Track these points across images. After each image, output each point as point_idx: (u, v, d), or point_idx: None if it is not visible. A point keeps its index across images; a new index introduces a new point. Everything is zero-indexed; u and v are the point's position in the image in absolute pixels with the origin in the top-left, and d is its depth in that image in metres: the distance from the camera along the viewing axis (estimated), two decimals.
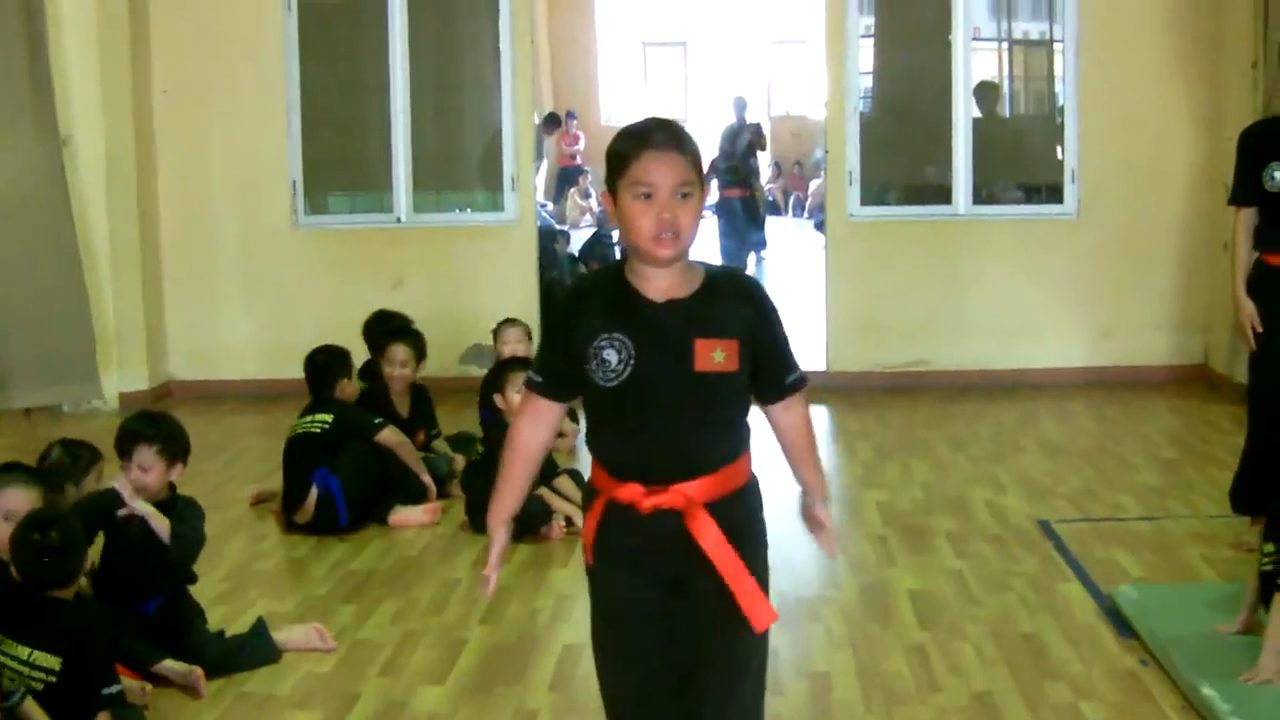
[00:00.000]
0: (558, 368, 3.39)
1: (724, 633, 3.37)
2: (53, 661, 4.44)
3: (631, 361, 3.26)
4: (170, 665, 5.21)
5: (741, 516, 3.41)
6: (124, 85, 10.51)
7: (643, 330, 3.27)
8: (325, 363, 7.66)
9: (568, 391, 3.42)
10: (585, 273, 3.81)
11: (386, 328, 8.44)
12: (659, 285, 3.30)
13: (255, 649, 5.49)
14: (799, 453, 3.54)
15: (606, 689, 3.55)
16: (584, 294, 3.43)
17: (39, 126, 10.01)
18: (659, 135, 3.26)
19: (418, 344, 8.27)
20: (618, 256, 15.31)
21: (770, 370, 3.40)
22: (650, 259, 3.28)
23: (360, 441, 7.44)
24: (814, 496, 3.54)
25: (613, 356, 3.26)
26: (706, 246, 17.23)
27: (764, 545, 3.47)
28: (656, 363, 3.26)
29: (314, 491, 7.24)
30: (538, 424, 3.48)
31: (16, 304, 9.84)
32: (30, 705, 4.28)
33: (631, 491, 3.32)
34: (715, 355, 3.27)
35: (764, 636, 3.42)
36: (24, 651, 4.41)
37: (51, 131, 10.09)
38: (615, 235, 16.44)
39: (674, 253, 3.25)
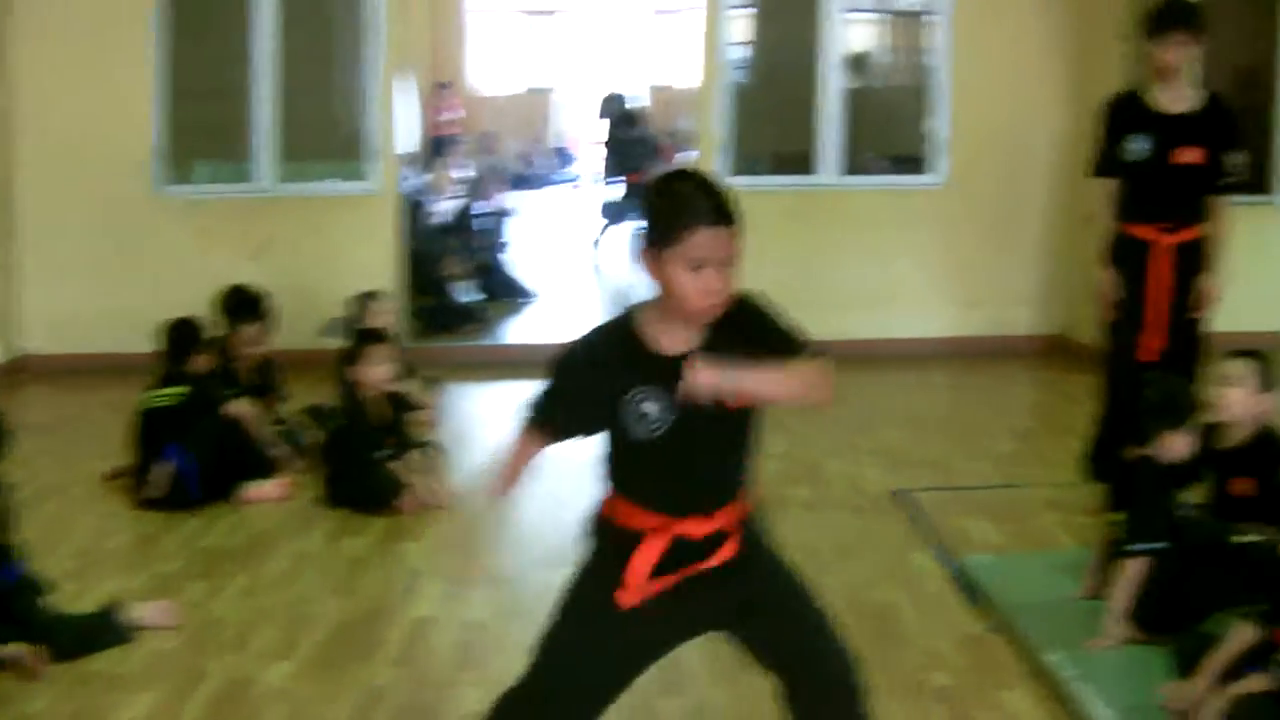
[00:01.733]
0: (577, 416, 3.47)
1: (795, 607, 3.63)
2: None
3: (670, 413, 3.32)
4: (9, 649, 5.09)
5: (757, 528, 3.64)
6: None
7: (675, 384, 3.27)
8: (180, 335, 7.54)
9: (577, 435, 3.51)
10: (592, 330, 3.84)
11: (239, 303, 8.31)
12: (677, 338, 3.36)
13: (105, 630, 5.38)
14: None
15: (550, 683, 3.56)
16: (597, 351, 3.45)
17: None
18: (715, 214, 3.29)
19: (268, 318, 8.17)
20: (485, 228, 15.20)
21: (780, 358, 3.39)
22: (693, 318, 3.33)
23: (212, 415, 7.33)
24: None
25: (652, 409, 3.34)
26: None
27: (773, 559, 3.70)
28: (694, 411, 3.28)
29: (167, 465, 7.12)
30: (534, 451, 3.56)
31: None
32: None
33: (687, 524, 3.43)
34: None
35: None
36: None
37: None
38: (486, 207, 16.34)
39: (717, 312, 3.32)
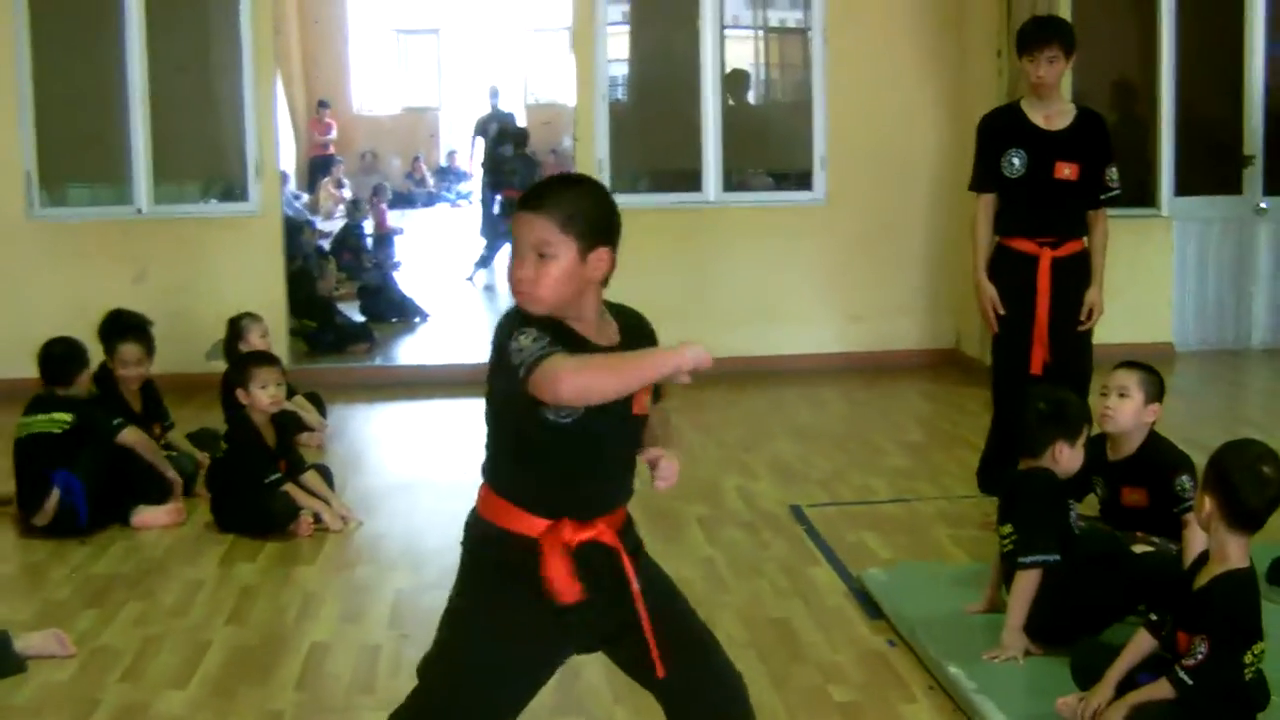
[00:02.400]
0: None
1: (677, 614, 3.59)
2: None
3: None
4: None
5: (635, 538, 3.59)
6: None
7: None
8: (63, 355, 7.39)
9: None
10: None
11: (118, 326, 8.17)
12: (599, 332, 3.39)
13: None
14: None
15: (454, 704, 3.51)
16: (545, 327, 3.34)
17: None
18: (527, 196, 3.33)
19: (148, 342, 8.04)
20: (369, 248, 15.16)
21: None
22: (523, 304, 3.33)
23: (100, 441, 7.21)
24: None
25: None
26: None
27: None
28: (606, 407, 3.24)
29: (55, 492, 6.99)
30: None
31: None
32: None
33: (568, 528, 3.38)
34: (646, 398, 3.40)
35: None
36: None
37: None
38: (366, 227, 16.27)
39: (532, 306, 3.28)
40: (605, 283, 3.38)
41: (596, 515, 3.42)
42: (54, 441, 7.09)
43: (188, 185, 11.17)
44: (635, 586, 3.42)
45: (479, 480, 3.51)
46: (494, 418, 3.44)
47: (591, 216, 3.31)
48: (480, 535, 3.49)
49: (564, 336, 3.26)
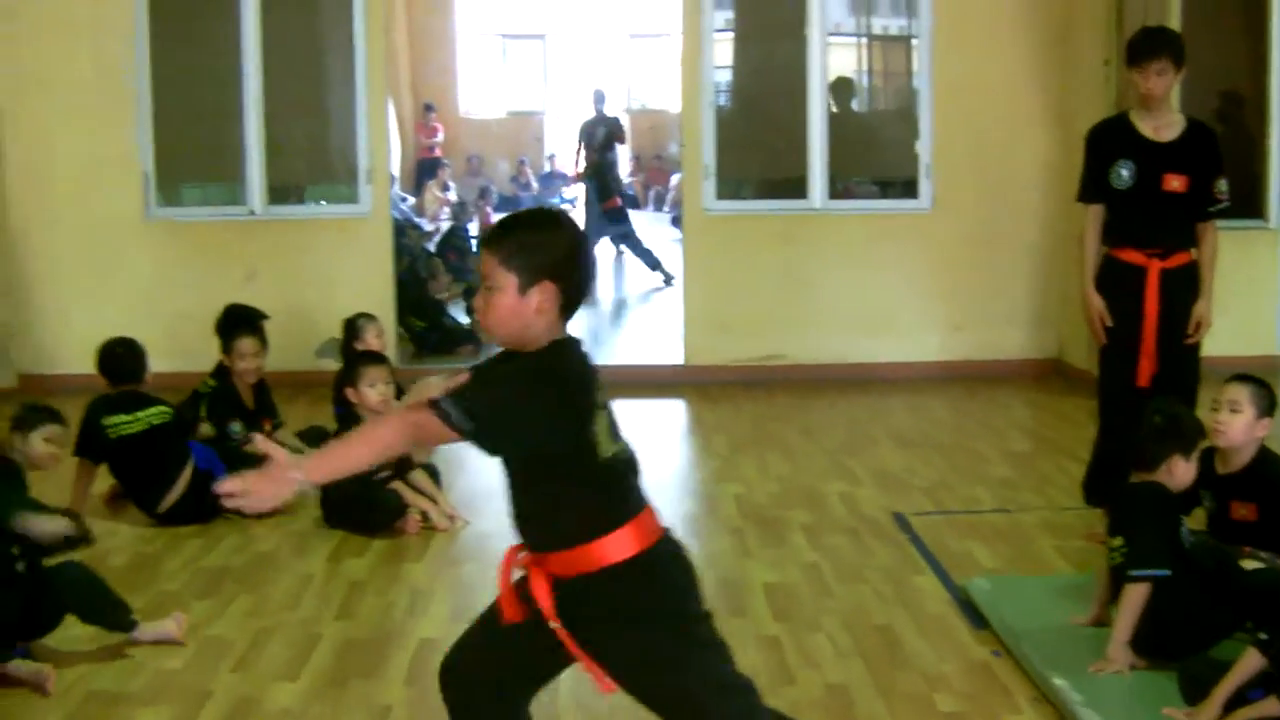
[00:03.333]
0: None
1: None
2: None
3: None
4: (19, 665, 5.12)
5: (610, 595, 3.49)
6: None
7: None
8: (128, 354, 7.56)
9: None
10: None
11: (235, 319, 8.33)
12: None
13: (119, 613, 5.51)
14: None
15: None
16: None
17: None
18: (489, 229, 3.52)
19: (264, 336, 8.20)
20: (474, 250, 15.26)
21: None
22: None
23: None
24: None
25: None
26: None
27: (643, 623, 3.52)
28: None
29: (190, 464, 7.20)
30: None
31: None
32: None
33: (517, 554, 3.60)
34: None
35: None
36: None
37: None
38: (472, 229, 16.40)
39: (486, 335, 3.49)
40: (566, 315, 3.45)
41: (532, 548, 3.55)
42: (167, 431, 7.26)
43: (299, 187, 11.32)
44: (553, 624, 3.47)
45: None
46: None
47: (534, 254, 3.38)
48: None
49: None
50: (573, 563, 3.46)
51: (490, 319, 3.41)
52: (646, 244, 17.20)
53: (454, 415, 3.24)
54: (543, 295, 3.37)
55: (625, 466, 3.56)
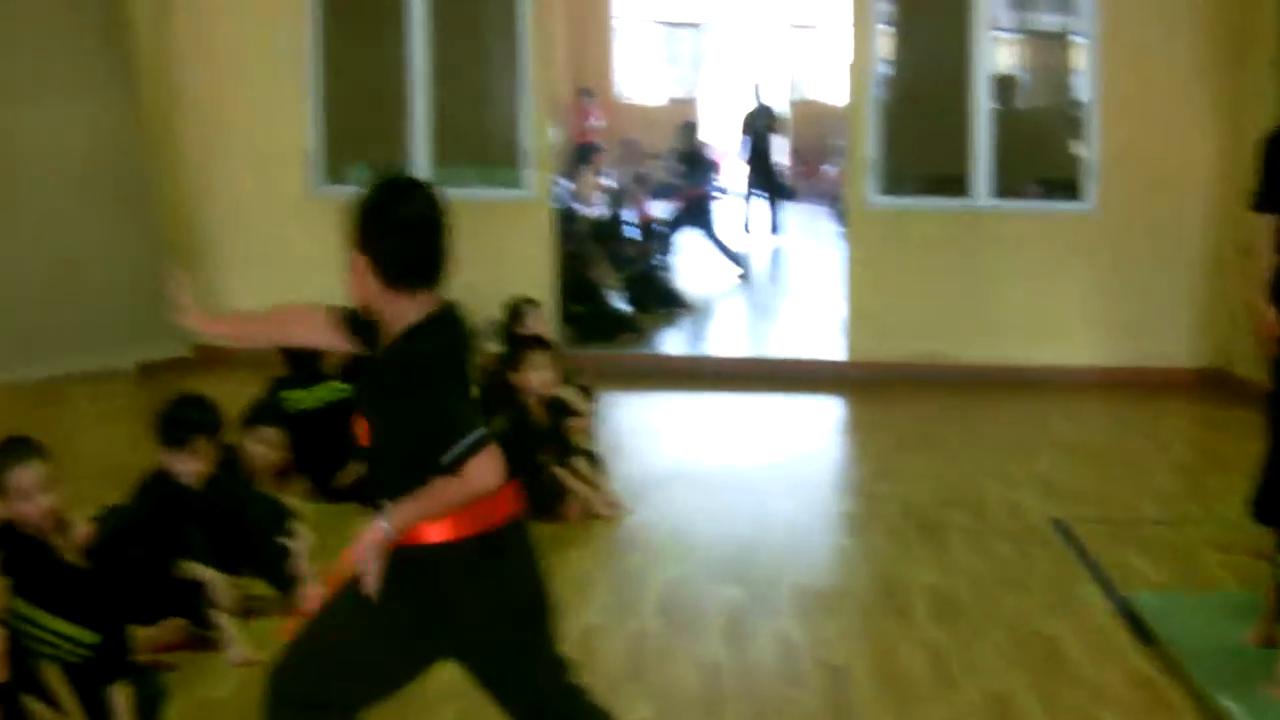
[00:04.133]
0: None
1: None
2: (93, 638, 4.45)
3: None
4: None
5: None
6: (149, 50, 10.57)
7: None
8: None
9: None
10: None
11: None
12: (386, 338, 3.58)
13: None
14: None
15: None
16: None
17: (115, 91, 10.30)
18: None
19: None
20: (637, 236, 15.29)
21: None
22: None
23: None
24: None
25: None
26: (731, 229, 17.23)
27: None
28: None
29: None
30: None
31: (97, 265, 10.11)
32: (50, 670, 4.27)
33: None
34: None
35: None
36: (66, 628, 4.41)
37: (127, 96, 10.36)
38: (630, 215, 16.41)
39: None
40: (393, 289, 3.44)
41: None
42: (344, 407, 7.36)
43: (463, 169, 11.41)
44: None
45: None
46: None
47: (349, 225, 3.47)
48: None
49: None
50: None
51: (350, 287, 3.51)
52: (725, 238, 17.18)
53: (474, 445, 3.30)
54: (356, 267, 3.45)
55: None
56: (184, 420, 5.61)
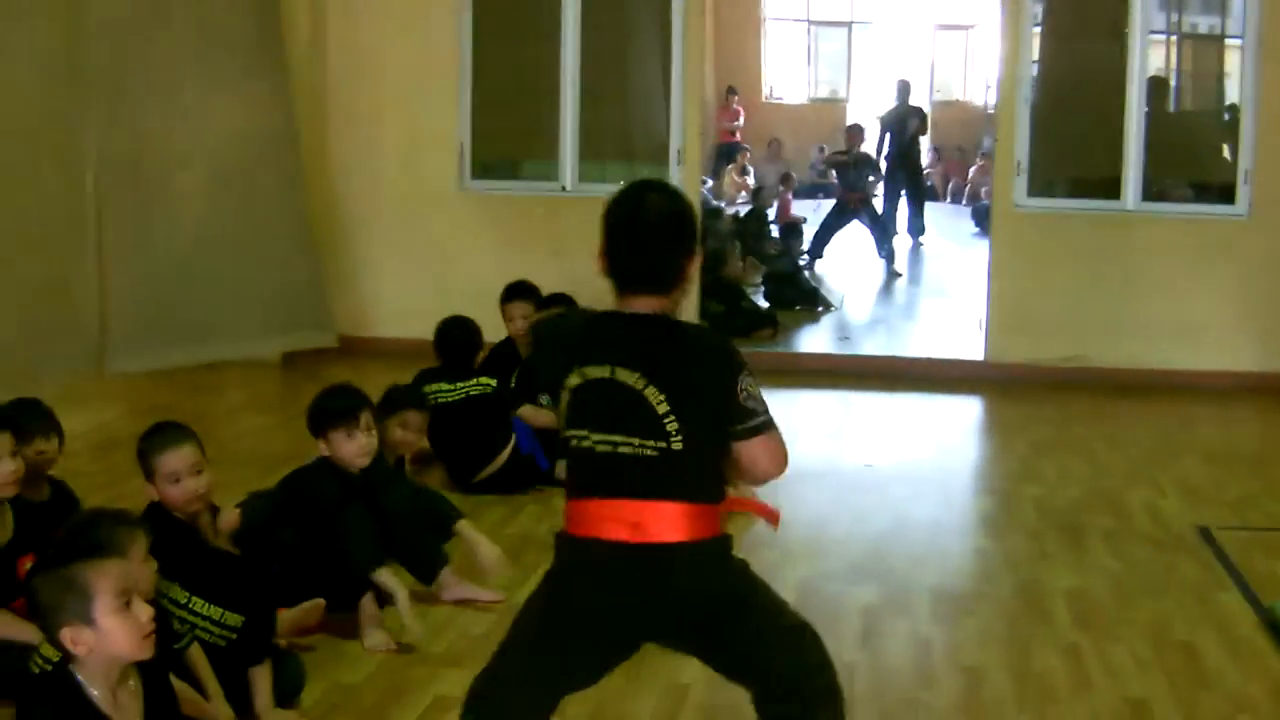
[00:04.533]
0: None
1: None
2: (238, 620, 4.54)
3: None
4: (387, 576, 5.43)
5: None
6: (301, 49, 10.80)
7: None
8: (462, 338, 7.77)
9: None
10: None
11: (510, 289, 8.61)
12: None
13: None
14: None
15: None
16: None
17: (271, 82, 10.49)
18: None
19: (537, 300, 8.36)
20: (774, 235, 15.30)
21: None
22: None
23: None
24: None
25: None
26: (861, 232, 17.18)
27: None
28: None
29: (513, 439, 7.45)
30: None
31: (254, 255, 10.30)
32: (195, 651, 4.35)
33: None
34: None
35: None
36: (214, 611, 4.51)
37: (282, 88, 10.57)
38: (771, 214, 16.42)
39: None
40: (619, 288, 3.60)
41: None
42: (488, 402, 7.46)
43: (610, 165, 11.48)
44: None
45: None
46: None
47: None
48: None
49: None
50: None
51: None
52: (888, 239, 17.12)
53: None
54: (599, 262, 3.56)
55: (583, 455, 3.54)
56: (337, 406, 5.67)
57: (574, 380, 3.49)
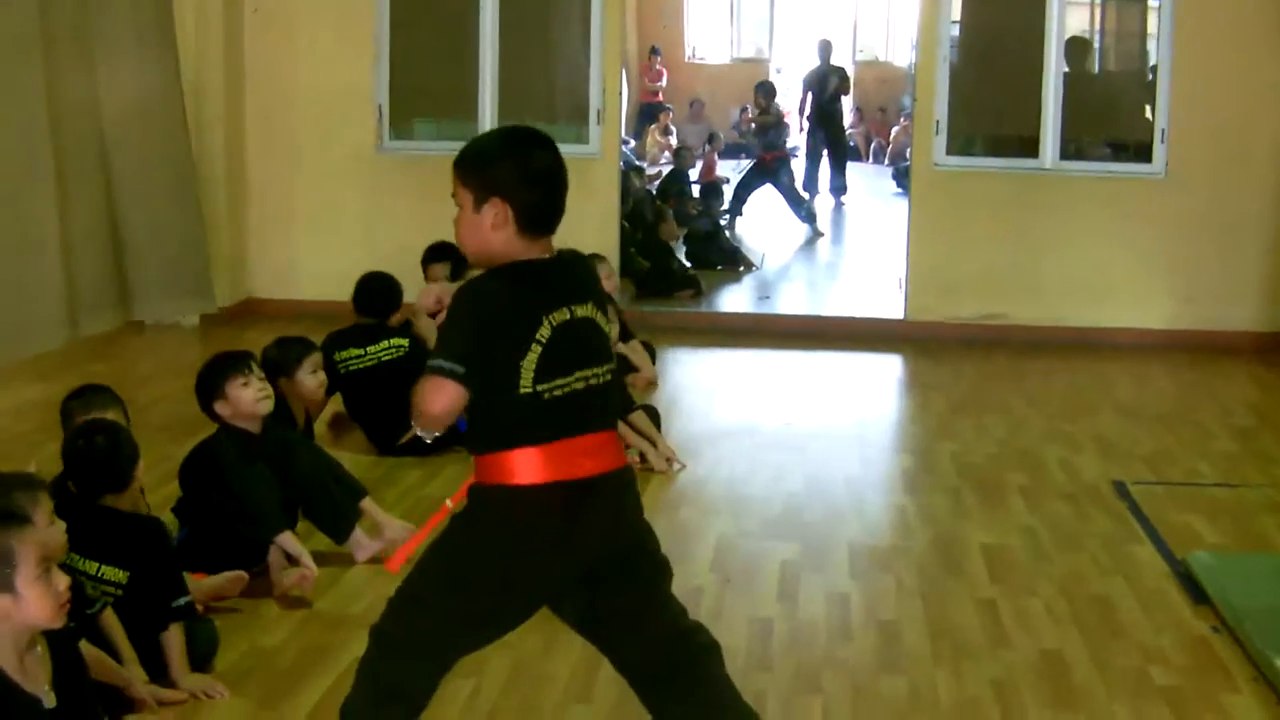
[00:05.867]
0: None
1: None
2: (120, 575, 4.49)
3: None
4: (291, 540, 5.42)
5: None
6: (215, 3, 10.61)
7: None
8: (381, 289, 7.73)
9: None
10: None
11: (431, 250, 8.58)
12: None
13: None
14: None
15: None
16: None
17: (158, 44, 10.14)
18: None
19: (456, 260, 8.33)
20: (695, 194, 15.30)
21: None
22: None
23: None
24: None
25: None
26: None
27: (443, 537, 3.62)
28: None
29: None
30: None
31: (138, 219, 9.92)
32: (109, 616, 4.33)
33: None
34: None
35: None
36: (92, 566, 4.46)
37: (170, 49, 10.22)
38: (693, 174, 16.41)
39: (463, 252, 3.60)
40: (530, 232, 3.47)
41: None
42: (400, 366, 7.40)
43: (529, 125, 11.42)
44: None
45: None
46: None
47: (484, 171, 3.48)
48: None
49: None
50: (479, 470, 3.52)
51: (457, 236, 3.54)
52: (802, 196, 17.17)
53: (445, 367, 3.35)
54: (494, 211, 3.44)
55: (556, 405, 3.45)
56: (224, 358, 5.65)
57: (544, 332, 3.41)
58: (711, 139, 20.90)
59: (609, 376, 3.52)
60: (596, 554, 3.52)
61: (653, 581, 3.62)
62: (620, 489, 3.55)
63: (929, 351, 10.36)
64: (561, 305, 3.45)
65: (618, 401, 3.53)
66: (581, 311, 3.47)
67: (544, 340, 3.41)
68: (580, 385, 3.45)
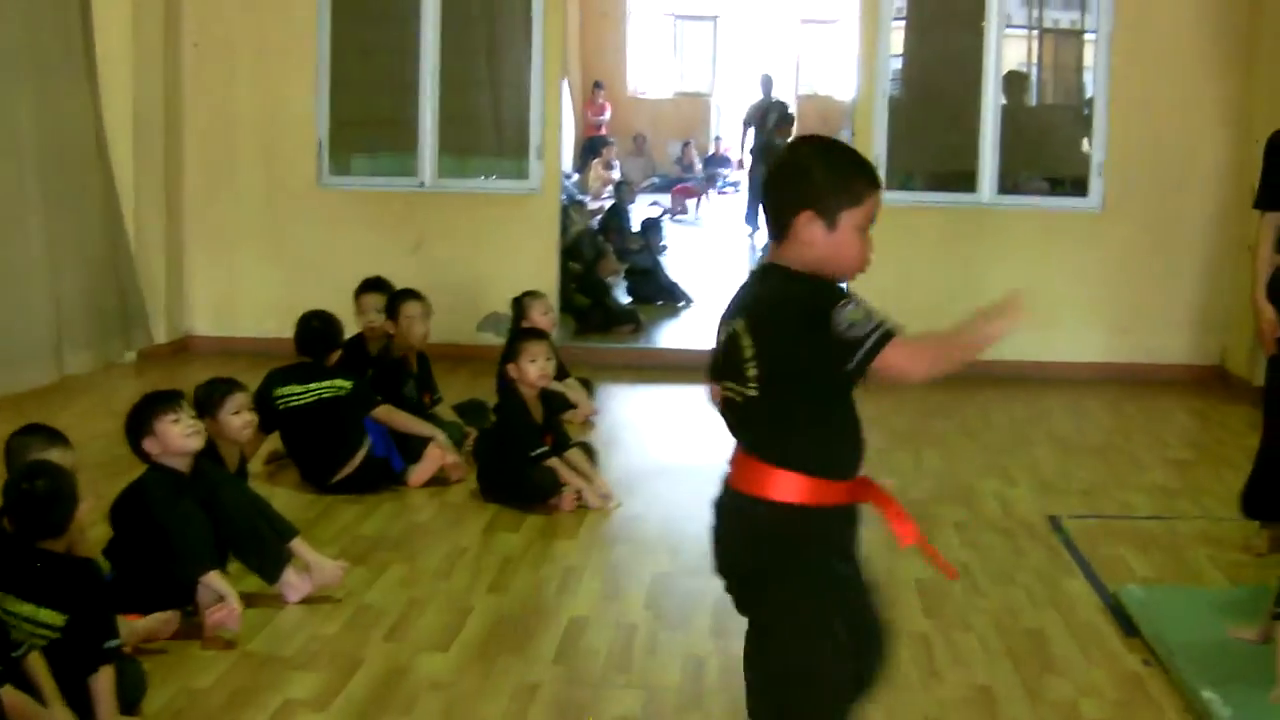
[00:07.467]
0: None
1: None
2: (57, 619, 4.44)
3: None
4: (217, 578, 5.39)
5: None
6: (155, 37, 10.58)
7: None
8: (322, 329, 7.70)
9: None
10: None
11: (365, 283, 8.64)
12: None
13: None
14: None
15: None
16: None
17: (79, 74, 10.02)
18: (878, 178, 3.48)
19: (388, 293, 8.39)
20: (634, 230, 15.28)
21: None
22: (849, 278, 3.56)
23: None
24: None
25: None
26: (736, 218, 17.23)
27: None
28: None
29: (367, 442, 7.38)
30: None
31: (64, 259, 9.76)
32: (35, 658, 4.28)
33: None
34: None
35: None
36: (27, 609, 4.41)
37: (90, 79, 10.11)
38: (630, 209, 16.40)
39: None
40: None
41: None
42: (338, 405, 7.39)
43: (469, 160, 11.43)
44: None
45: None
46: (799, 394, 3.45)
47: (816, 181, 3.46)
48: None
49: None
50: None
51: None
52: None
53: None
54: (835, 227, 3.46)
55: (723, 408, 3.58)
56: (153, 396, 5.63)
57: (720, 335, 3.48)
58: (647, 173, 20.96)
59: (740, 398, 3.51)
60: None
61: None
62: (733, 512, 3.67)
63: (867, 385, 10.35)
64: (732, 316, 3.50)
65: (756, 426, 3.57)
66: (734, 325, 3.47)
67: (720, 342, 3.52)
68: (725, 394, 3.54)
